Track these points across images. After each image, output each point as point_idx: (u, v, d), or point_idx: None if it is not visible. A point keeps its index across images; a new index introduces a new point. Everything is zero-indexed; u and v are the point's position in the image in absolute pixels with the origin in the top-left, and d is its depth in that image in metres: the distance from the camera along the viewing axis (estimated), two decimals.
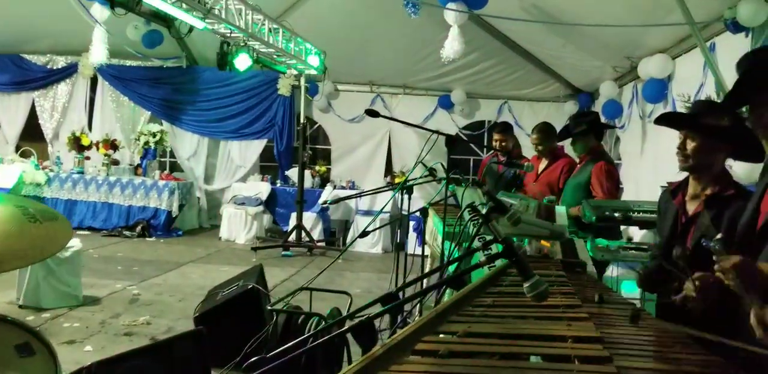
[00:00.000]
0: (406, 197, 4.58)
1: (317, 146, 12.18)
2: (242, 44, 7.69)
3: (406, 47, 9.97)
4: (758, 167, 2.86)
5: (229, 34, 7.56)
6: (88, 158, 11.04)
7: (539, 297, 1.70)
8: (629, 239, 5.30)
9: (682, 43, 6.83)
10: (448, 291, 3.06)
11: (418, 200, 6.98)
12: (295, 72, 10.16)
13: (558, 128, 5.67)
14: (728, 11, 5.28)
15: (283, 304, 4.07)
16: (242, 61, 7.73)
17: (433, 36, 8.49)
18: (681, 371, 1.77)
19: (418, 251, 5.62)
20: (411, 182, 4.46)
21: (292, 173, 11.07)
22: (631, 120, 8.49)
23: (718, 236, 2.28)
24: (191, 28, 7.41)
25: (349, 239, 10.09)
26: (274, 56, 8.79)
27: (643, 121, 7.92)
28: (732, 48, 5.41)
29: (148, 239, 10.10)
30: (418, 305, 3.58)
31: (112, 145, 10.94)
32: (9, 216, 1.82)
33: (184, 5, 6.44)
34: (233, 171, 11.77)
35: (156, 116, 11.71)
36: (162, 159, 11.95)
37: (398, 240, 5.56)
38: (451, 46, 7.40)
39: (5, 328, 1.84)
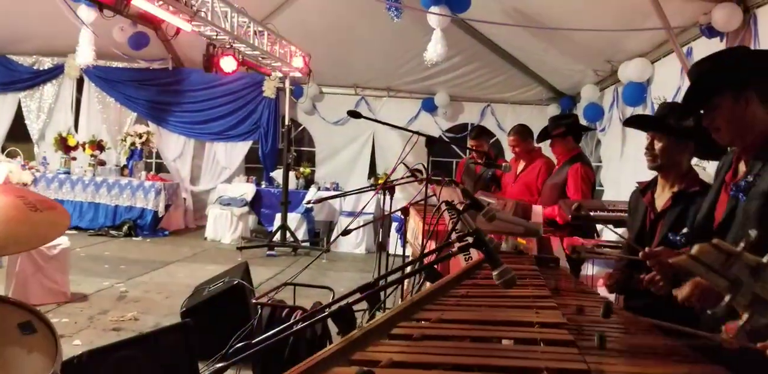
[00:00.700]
0: (388, 197, 4.70)
1: (302, 148, 12.28)
2: (228, 46, 7.80)
3: (390, 50, 10.10)
4: None
5: (215, 37, 7.66)
6: (74, 158, 11.10)
7: (507, 284, 1.82)
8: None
9: (661, 47, 7.00)
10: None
11: (400, 201, 7.10)
12: (280, 74, 10.26)
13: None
14: (703, 17, 5.44)
15: (267, 299, 4.18)
16: (228, 64, 7.83)
17: (416, 39, 8.62)
18: (640, 353, 1.90)
19: (401, 251, 5.73)
20: (394, 183, 4.57)
21: (277, 174, 11.17)
22: (611, 123, 8.65)
23: (684, 230, 2.43)
24: (178, 31, 7.50)
25: (333, 240, 10.20)
26: (260, 59, 8.89)
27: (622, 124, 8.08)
28: (708, 52, 5.54)
29: (134, 238, 10.17)
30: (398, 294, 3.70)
31: (99, 146, 11.01)
32: (11, 204, 1.92)
33: (170, 8, 6.53)
34: (219, 172, 11.86)
35: (142, 117, 11.77)
36: (148, 160, 12.02)
37: (380, 240, 5.65)
38: (435, 49, 7.52)
39: (8, 308, 1.94)
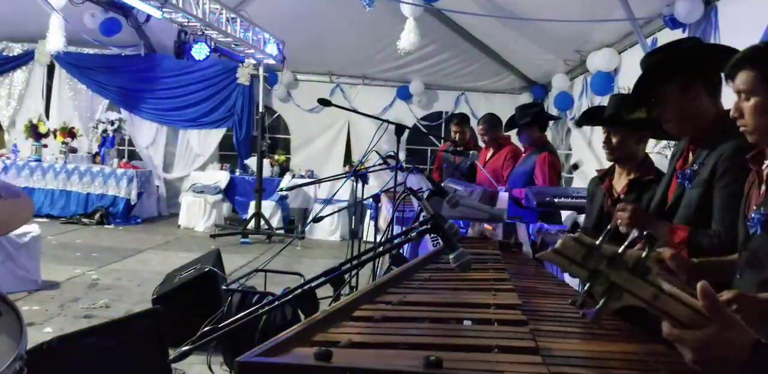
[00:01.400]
0: (361, 184, 4.76)
1: (277, 136, 12.26)
2: (200, 33, 7.77)
3: (364, 38, 10.10)
4: None
5: (186, 23, 7.62)
6: (45, 145, 11.00)
7: (462, 267, 1.89)
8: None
9: (627, 38, 7.10)
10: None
11: (375, 189, 7.16)
12: (254, 61, 10.24)
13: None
14: (666, 8, 5.54)
15: (238, 285, 4.23)
16: (200, 51, 7.80)
17: (390, 27, 8.62)
18: (589, 333, 1.99)
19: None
20: (365, 170, 4.63)
21: (252, 162, 11.17)
22: (581, 112, 8.75)
23: None
24: (149, 17, 7.46)
25: (308, 228, 10.25)
26: (233, 46, 8.87)
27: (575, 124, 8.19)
28: None
29: (106, 226, 10.13)
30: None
31: (70, 133, 10.93)
32: None
33: None
34: (192, 160, 11.82)
35: (114, 104, 11.68)
36: (120, 147, 11.93)
37: (353, 227, 5.72)
38: (407, 38, 7.58)
39: None
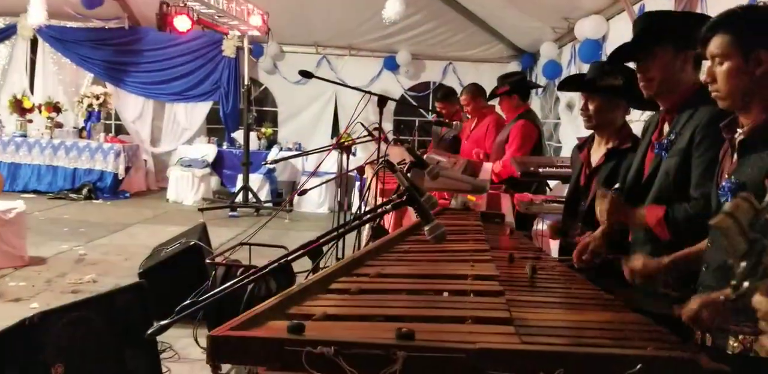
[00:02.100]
0: (345, 156, 4.74)
1: (264, 108, 12.17)
2: (182, 5, 7.66)
3: (349, 7, 9.96)
4: None
5: None
6: (30, 121, 10.89)
7: (437, 239, 1.89)
8: None
9: (616, 4, 7.01)
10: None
11: (361, 161, 7.14)
12: (238, 33, 10.11)
13: None
14: None
15: (222, 259, 4.24)
16: (182, 22, 7.70)
17: None
18: (565, 303, 2.00)
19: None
20: (350, 142, 4.62)
21: (239, 135, 11.09)
22: None
23: (616, 185, 2.53)
24: None
25: (295, 200, 10.22)
26: (216, 17, 8.74)
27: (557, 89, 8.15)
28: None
29: (94, 201, 10.09)
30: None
31: (55, 107, 10.80)
32: None
33: None
34: (179, 134, 11.73)
35: (99, 78, 11.53)
36: (107, 122, 11.84)
37: (338, 199, 5.72)
38: (393, 7, 7.50)
39: None
